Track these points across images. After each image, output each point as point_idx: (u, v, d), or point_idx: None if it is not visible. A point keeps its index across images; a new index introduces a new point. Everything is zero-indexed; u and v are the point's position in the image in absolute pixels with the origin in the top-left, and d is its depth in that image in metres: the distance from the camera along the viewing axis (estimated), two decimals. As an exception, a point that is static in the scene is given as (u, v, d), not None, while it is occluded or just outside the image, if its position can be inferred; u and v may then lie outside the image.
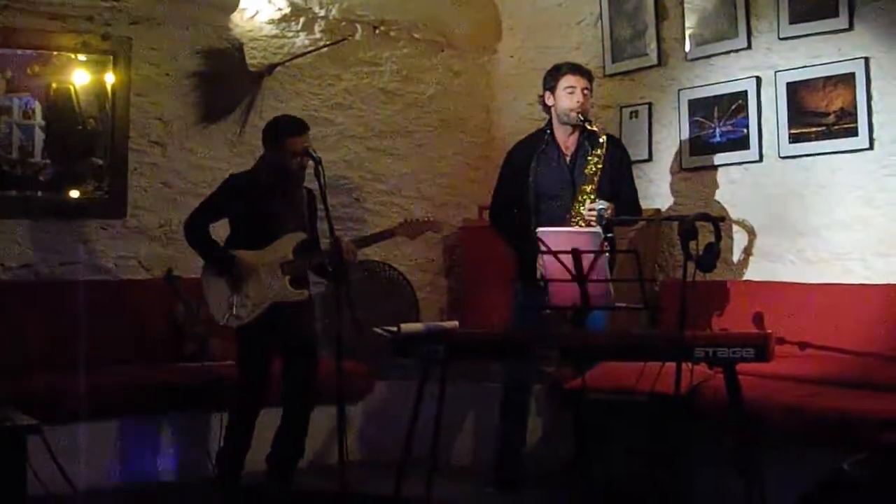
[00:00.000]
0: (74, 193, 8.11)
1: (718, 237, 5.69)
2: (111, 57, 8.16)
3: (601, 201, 6.56)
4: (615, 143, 7.12)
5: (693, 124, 8.09)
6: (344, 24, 9.25)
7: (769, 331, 5.94)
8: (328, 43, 9.12)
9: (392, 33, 9.52)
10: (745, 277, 7.74)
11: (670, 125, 8.30)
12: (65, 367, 7.05)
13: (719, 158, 7.93)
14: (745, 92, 7.74)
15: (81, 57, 8.10)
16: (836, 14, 7.19)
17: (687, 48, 8.15)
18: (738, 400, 5.62)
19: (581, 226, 6.51)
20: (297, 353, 6.91)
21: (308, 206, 7.00)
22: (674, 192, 8.26)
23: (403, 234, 7.20)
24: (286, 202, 6.87)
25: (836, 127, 7.20)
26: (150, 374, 7.35)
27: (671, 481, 5.89)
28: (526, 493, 7.07)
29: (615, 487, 6.35)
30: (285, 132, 6.80)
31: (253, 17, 8.80)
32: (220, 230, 6.98)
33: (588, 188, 6.65)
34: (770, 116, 7.60)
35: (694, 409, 6.04)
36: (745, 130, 7.75)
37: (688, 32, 8.11)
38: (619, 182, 6.97)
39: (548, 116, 7.13)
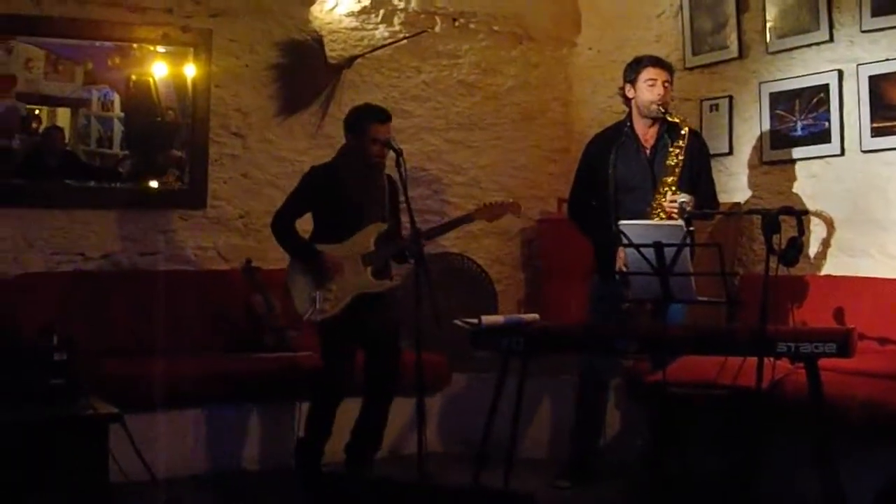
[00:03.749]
0: (154, 184, 8.23)
1: (801, 231, 5.63)
2: (191, 49, 8.26)
3: (683, 194, 6.51)
4: (695, 136, 7.06)
5: (774, 117, 8.00)
6: (423, 16, 9.29)
7: (850, 326, 5.90)
8: (407, 35, 9.15)
9: (471, 25, 9.53)
10: (824, 272, 7.66)
11: (751, 118, 8.22)
12: (145, 356, 7.15)
13: (800, 152, 7.84)
14: (827, 85, 7.64)
15: (161, 49, 8.22)
16: (919, 7, 7.12)
17: (768, 41, 8.06)
18: (820, 395, 5.58)
19: (662, 218, 6.46)
20: (380, 345, 6.92)
21: (390, 194, 7.01)
22: (753, 185, 8.18)
23: (482, 217, 7.19)
24: (368, 191, 6.88)
25: (919, 121, 7.13)
26: (231, 363, 7.41)
27: (749, 476, 5.86)
28: (601, 487, 7.04)
29: (692, 482, 6.33)
30: (370, 119, 6.81)
31: (332, 9, 8.85)
32: (302, 224, 7.01)
33: (669, 180, 6.60)
34: (852, 110, 7.50)
35: (775, 404, 5.98)
36: (827, 124, 7.65)
37: (769, 25, 8.02)
38: (698, 175, 6.91)
39: (628, 109, 7.08)
